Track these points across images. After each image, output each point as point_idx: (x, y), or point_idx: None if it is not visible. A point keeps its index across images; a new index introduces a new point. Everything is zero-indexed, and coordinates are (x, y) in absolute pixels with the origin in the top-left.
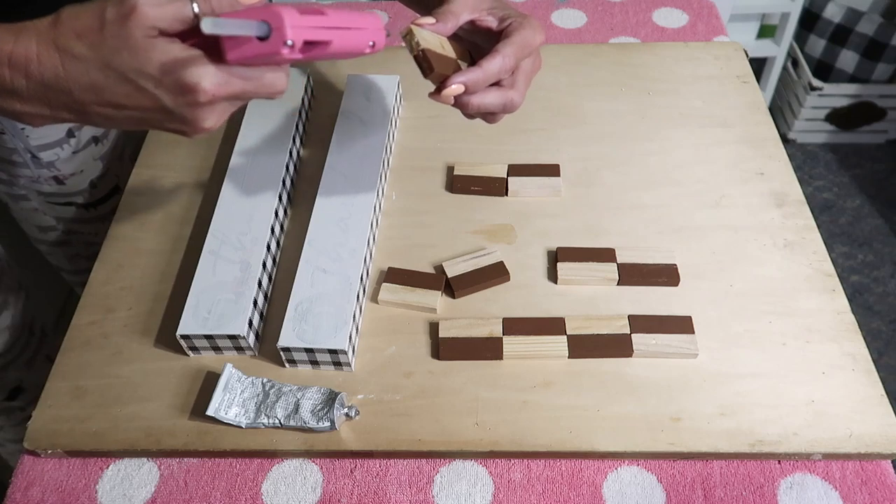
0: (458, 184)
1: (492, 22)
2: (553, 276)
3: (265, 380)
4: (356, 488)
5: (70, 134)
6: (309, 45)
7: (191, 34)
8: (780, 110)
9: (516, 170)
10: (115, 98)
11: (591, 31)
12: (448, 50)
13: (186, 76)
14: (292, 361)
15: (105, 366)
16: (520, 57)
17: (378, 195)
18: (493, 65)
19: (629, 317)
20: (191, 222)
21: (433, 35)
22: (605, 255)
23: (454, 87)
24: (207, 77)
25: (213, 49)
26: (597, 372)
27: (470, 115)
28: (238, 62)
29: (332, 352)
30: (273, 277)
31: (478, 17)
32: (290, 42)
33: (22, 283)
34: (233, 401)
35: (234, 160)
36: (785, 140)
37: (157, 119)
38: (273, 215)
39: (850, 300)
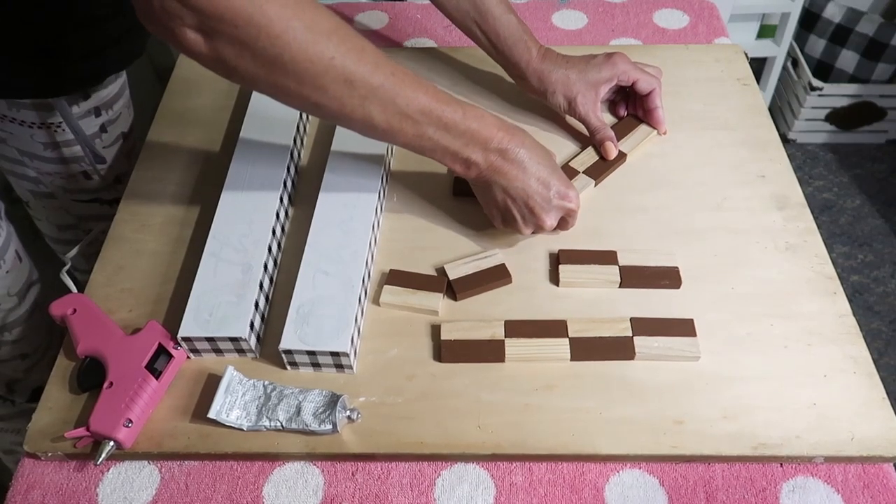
0: (459, 186)
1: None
2: (555, 278)
3: (267, 382)
4: (358, 491)
5: (102, 129)
6: None
7: None
8: (780, 110)
9: None
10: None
11: (591, 32)
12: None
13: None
14: (294, 364)
15: None
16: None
17: (379, 197)
18: (597, 124)
19: (631, 319)
20: (192, 224)
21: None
22: (607, 257)
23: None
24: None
25: None
26: (599, 375)
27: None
28: None
29: (334, 354)
30: (274, 279)
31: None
32: None
33: (39, 283)
34: (234, 403)
35: (235, 162)
36: (785, 140)
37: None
38: (274, 217)
39: (850, 300)
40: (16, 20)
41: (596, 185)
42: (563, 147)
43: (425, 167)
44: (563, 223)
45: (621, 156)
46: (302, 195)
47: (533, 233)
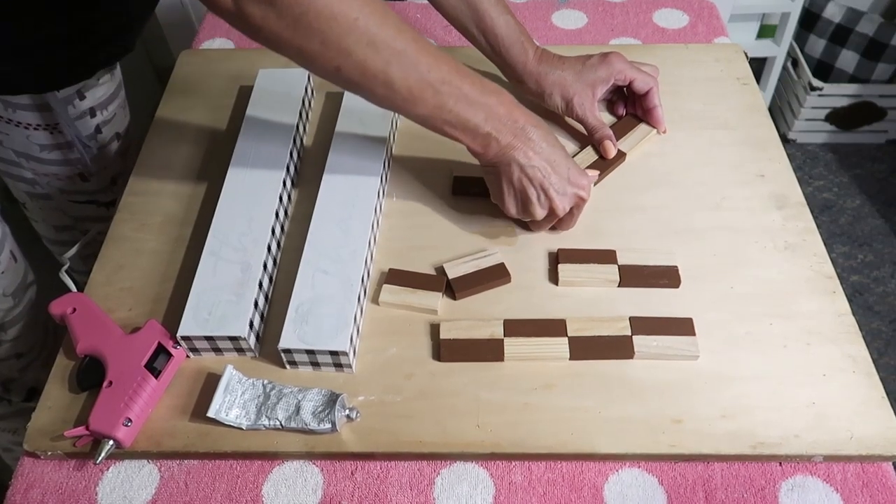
0: (458, 185)
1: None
2: (554, 277)
3: (266, 381)
4: (357, 490)
5: (98, 130)
6: None
7: None
8: (780, 110)
9: None
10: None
11: (591, 31)
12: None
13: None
14: (293, 363)
15: None
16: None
17: (379, 196)
18: (595, 124)
19: (630, 318)
20: (191, 223)
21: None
22: (606, 256)
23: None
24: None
25: None
26: (598, 374)
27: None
28: None
29: (334, 353)
30: (274, 279)
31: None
32: None
33: (35, 283)
34: (233, 402)
35: (235, 160)
36: (785, 140)
37: (558, 160)
38: (273, 216)
39: (850, 300)
40: (7, 16)
41: (595, 183)
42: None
43: (425, 166)
44: (569, 218)
45: (620, 155)
46: (301, 194)
47: (545, 219)
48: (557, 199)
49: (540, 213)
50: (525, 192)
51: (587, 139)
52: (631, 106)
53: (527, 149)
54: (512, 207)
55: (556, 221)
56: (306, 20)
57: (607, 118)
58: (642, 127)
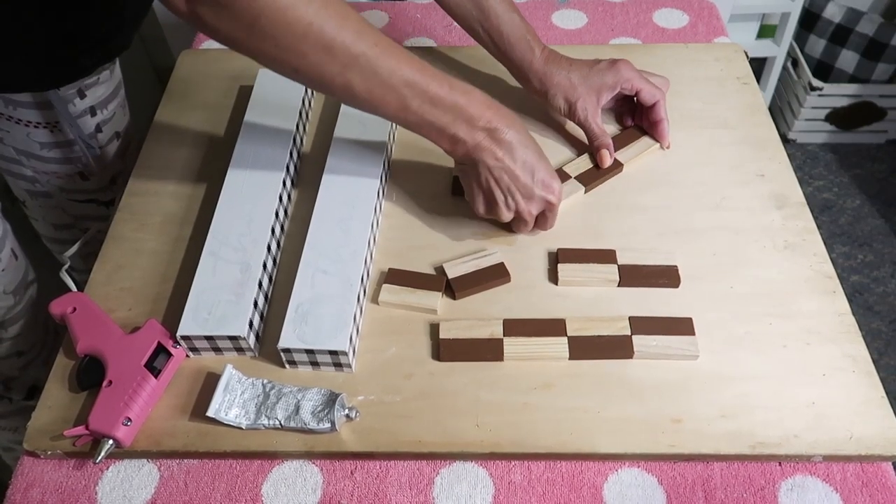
0: (458, 185)
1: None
2: (554, 277)
3: (265, 381)
4: (356, 490)
5: (98, 129)
6: None
7: None
8: (780, 110)
9: None
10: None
11: (591, 31)
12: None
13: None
14: (293, 362)
15: None
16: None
17: (378, 196)
18: (595, 131)
19: (630, 318)
20: (191, 223)
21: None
22: (606, 256)
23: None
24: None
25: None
26: (597, 373)
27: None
28: None
29: (333, 353)
30: (273, 278)
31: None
32: None
33: (36, 282)
34: (233, 402)
35: (235, 161)
36: (785, 140)
37: (532, 163)
38: (273, 216)
39: (850, 300)
40: (4, 14)
41: (586, 192)
42: (560, 152)
43: (425, 166)
44: (543, 219)
45: (617, 165)
46: (301, 194)
47: (514, 222)
48: (523, 203)
49: (506, 215)
50: (492, 194)
51: (585, 147)
52: (638, 118)
53: (496, 150)
54: (480, 207)
55: (534, 222)
56: (260, 24)
57: (613, 129)
58: (644, 140)
